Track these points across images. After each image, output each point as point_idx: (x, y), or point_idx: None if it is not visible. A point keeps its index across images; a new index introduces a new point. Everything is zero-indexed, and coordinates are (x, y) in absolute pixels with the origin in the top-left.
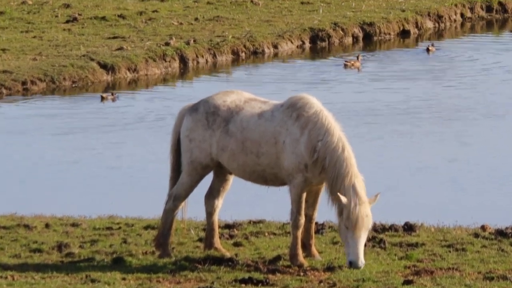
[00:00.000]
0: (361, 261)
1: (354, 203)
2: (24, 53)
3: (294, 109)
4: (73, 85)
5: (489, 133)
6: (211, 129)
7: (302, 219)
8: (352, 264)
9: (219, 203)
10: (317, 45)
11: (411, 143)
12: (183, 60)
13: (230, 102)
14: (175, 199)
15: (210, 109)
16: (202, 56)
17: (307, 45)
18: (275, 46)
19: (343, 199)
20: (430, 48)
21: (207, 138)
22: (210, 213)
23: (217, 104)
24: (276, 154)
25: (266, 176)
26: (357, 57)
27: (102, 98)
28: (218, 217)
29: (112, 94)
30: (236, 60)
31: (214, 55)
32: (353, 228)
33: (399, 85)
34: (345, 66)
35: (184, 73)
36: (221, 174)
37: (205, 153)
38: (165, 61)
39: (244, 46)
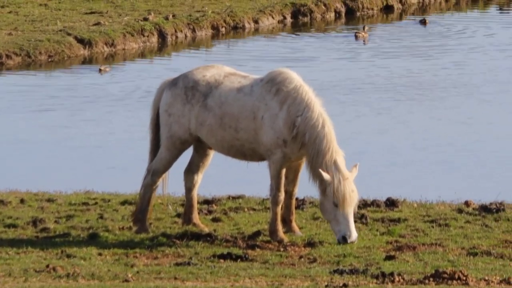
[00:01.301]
0: (355, 234)
1: (338, 180)
2: None
3: (274, 84)
4: (49, 60)
5: (474, 111)
6: (190, 104)
7: (282, 195)
8: (347, 239)
9: (199, 178)
10: (299, 20)
11: (395, 119)
12: (161, 35)
13: (210, 76)
14: (154, 174)
15: (189, 84)
16: (181, 31)
17: (289, 20)
18: (256, 21)
19: (326, 176)
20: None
21: (186, 113)
22: (189, 188)
23: (196, 79)
24: (254, 129)
25: (245, 151)
26: (363, 28)
27: (100, 70)
28: (197, 193)
29: (109, 66)
30: (216, 35)
31: (194, 30)
32: (342, 205)
33: (393, 61)
34: (356, 37)
35: (162, 48)
36: (201, 149)
37: (183, 128)
38: (143, 36)
39: (224, 21)
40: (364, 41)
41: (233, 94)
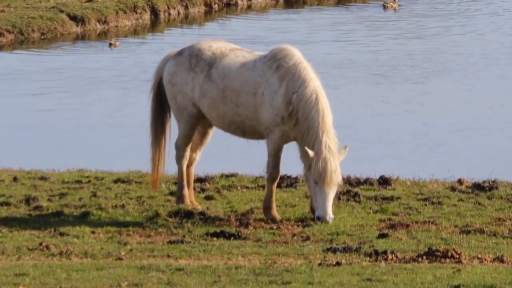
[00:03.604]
0: (329, 215)
1: (321, 158)
2: None
3: (275, 60)
4: (42, 37)
5: (469, 86)
6: (193, 72)
7: (278, 173)
8: (320, 219)
9: (197, 156)
10: None
11: (390, 96)
12: (154, 12)
13: (216, 48)
14: (177, 148)
15: (194, 52)
16: (174, 8)
17: None
18: None
19: (311, 153)
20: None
21: (189, 81)
22: (186, 165)
23: (202, 48)
24: (254, 106)
25: (245, 128)
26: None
27: (110, 45)
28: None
29: (118, 40)
30: (209, 12)
31: (186, 7)
32: (321, 183)
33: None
34: (385, 7)
35: (155, 25)
36: (200, 127)
37: (187, 98)
38: (136, 12)
39: None
40: (394, 10)
41: (236, 67)
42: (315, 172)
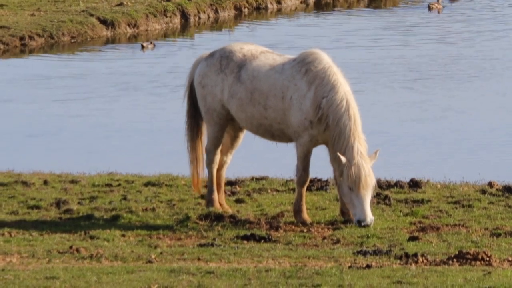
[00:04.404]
0: (370, 218)
1: (354, 163)
2: (22, 8)
3: (304, 64)
4: (72, 41)
5: (502, 91)
6: (223, 73)
7: (307, 176)
8: (361, 223)
9: (228, 159)
10: (321, 1)
11: (422, 98)
12: (184, 16)
13: (247, 50)
14: (208, 153)
15: (225, 54)
16: (204, 12)
17: (311, 0)
18: (279, 2)
19: (343, 159)
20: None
21: (218, 82)
22: (217, 168)
23: (233, 50)
24: (283, 109)
25: (273, 132)
26: (438, 0)
27: (142, 47)
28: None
29: (151, 43)
30: (239, 16)
31: (216, 11)
32: (356, 189)
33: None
34: (430, 8)
35: (185, 29)
36: (231, 130)
37: (216, 99)
38: (166, 16)
39: (247, 1)
40: (438, 11)
41: (265, 70)
42: (349, 178)
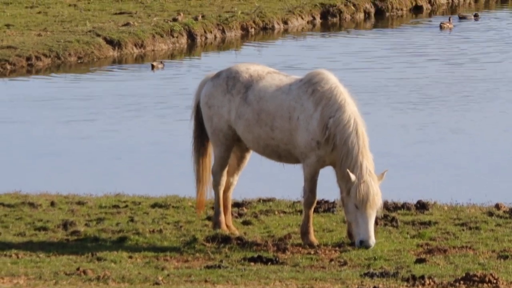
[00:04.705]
0: (372, 240)
1: (363, 181)
2: (28, 28)
3: (310, 84)
4: (79, 61)
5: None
6: (230, 94)
7: (315, 198)
8: (363, 243)
9: (234, 180)
10: (328, 21)
11: (427, 120)
12: (191, 36)
13: (253, 70)
14: (214, 174)
15: (231, 74)
16: (211, 32)
17: (318, 20)
18: (285, 22)
19: (352, 177)
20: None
21: (225, 103)
22: (224, 189)
23: (239, 70)
24: (289, 130)
25: (280, 152)
26: (449, 19)
27: (153, 67)
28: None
29: (161, 63)
30: (246, 36)
31: (223, 31)
32: (363, 207)
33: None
34: (441, 28)
35: (192, 49)
36: (237, 151)
37: (223, 120)
38: (173, 36)
39: (254, 21)
40: (449, 31)
41: (272, 91)
42: (357, 196)
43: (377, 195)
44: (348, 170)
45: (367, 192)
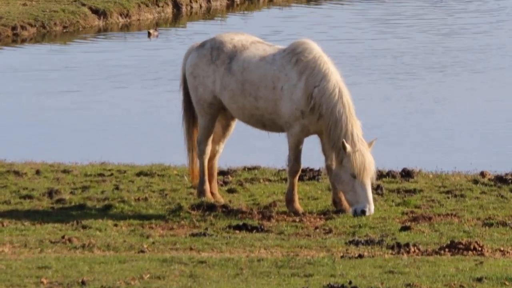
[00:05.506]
0: (373, 207)
1: (358, 150)
2: None
3: (294, 54)
4: (64, 30)
5: (491, 80)
6: (214, 64)
7: (299, 166)
8: (366, 212)
9: (220, 148)
10: None
11: (412, 90)
12: (176, 5)
13: (237, 41)
14: (199, 144)
15: (215, 45)
16: (196, 2)
17: None
18: None
19: (348, 147)
20: None
21: (210, 73)
22: (209, 158)
23: (223, 40)
24: (274, 100)
25: (265, 122)
26: None
27: (149, 34)
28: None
29: (157, 30)
30: (231, 6)
31: (209, 1)
32: (361, 176)
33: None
34: None
35: (177, 18)
36: (223, 119)
37: (208, 90)
38: (158, 6)
39: None
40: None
41: (255, 61)
42: (354, 166)
43: (371, 162)
44: (344, 140)
45: (362, 161)
